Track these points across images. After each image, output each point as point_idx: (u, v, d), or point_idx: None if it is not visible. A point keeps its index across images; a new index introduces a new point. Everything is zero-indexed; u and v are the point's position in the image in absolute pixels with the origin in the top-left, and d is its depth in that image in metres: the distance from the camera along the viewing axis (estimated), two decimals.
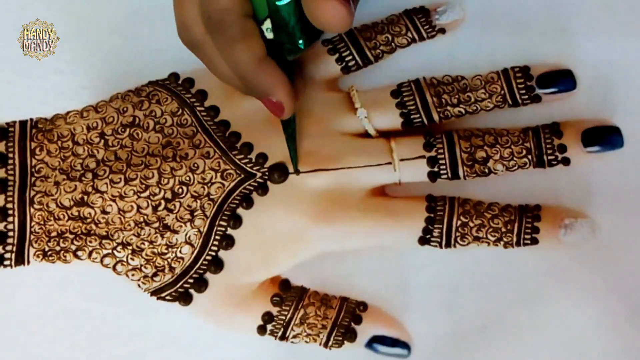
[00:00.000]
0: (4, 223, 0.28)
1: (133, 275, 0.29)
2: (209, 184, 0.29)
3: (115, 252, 0.28)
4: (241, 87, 0.26)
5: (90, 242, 0.28)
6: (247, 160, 0.29)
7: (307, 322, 0.30)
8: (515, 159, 0.30)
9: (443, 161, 0.29)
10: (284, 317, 0.30)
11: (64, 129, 0.29)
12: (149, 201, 0.28)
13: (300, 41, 0.25)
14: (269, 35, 0.25)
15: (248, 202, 0.29)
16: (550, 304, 0.31)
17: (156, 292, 0.29)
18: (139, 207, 0.28)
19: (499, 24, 0.32)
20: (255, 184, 0.29)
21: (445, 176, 0.29)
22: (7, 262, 0.28)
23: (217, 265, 0.29)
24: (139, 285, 0.29)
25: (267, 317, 0.30)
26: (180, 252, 0.29)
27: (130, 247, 0.28)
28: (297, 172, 0.29)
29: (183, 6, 0.25)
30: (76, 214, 0.28)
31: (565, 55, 0.31)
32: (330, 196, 0.29)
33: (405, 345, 0.31)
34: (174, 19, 0.33)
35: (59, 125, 0.29)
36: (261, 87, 0.26)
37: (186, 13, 0.25)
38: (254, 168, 0.29)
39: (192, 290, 0.29)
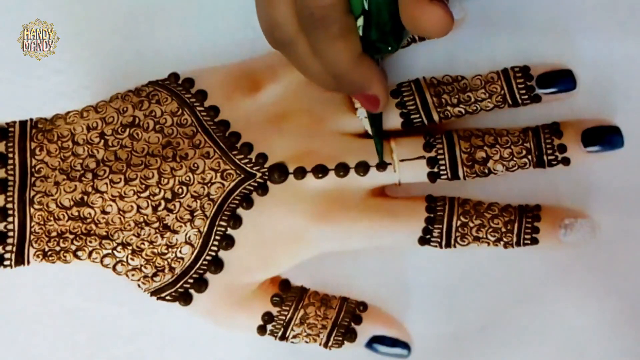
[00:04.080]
0: (4, 223, 0.28)
1: (133, 275, 0.29)
2: (208, 184, 0.29)
3: (115, 252, 0.28)
4: (331, 85, 0.26)
5: (90, 242, 0.28)
6: (247, 160, 0.29)
7: (307, 322, 0.30)
8: (515, 159, 0.30)
9: (443, 162, 0.29)
10: (284, 317, 0.30)
11: (64, 129, 0.29)
12: (149, 201, 0.28)
13: (394, 42, 0.25)
14: (359, 32, 0.25)
15: (248, 202, 0.29)
16: (550, 304, 0.31)
17: (156, 292, 0.29)
18: (139, 207, 0.28)
19: (499, 24, 0.32)
20: (255, 184, 0.29)
21: (445, 177, 0.29)
22: (7, 262, 0.28)
23: (217, 265, 0.29)
24: (139, 286, 0.29)
25: (267, 317, 0.30)
26: (180, 252, 0.29)
27: (130, 247, 0.28)
28: (383, 165, 0.29)
29: (275, 4, 0.25)
30: (76, 214, 0.28)
31: (565, 55, 0.31)
32: (330, 196, 0.29)
33: (405, 345, 0.31)
34: (174, 19, 0.33)
35: (59, 125, 0.29)
36: (359, 83, 0.26)
37: (279, 11, 0.24)
38: (254, 168, 0.29)
39: (192, 290, 0.29)
